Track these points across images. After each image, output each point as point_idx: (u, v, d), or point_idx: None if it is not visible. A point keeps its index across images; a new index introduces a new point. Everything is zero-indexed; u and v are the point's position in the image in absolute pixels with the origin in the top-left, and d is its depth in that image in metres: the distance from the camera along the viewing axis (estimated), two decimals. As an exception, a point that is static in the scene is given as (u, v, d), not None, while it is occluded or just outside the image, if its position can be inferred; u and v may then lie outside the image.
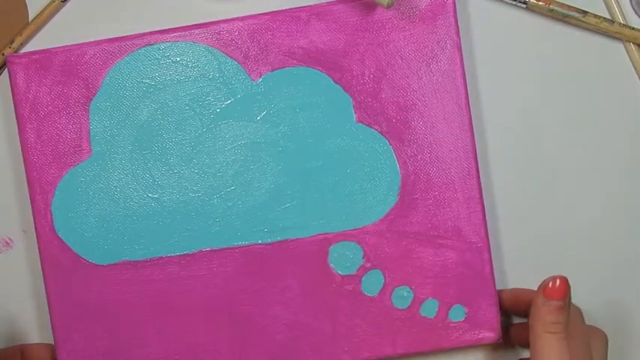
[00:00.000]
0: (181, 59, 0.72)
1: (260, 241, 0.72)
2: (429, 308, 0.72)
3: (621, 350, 0.75)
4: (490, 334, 0.72)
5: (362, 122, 0.72)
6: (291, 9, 0.72)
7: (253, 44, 0.72)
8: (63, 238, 0.73)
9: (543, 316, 0.65)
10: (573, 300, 0.67)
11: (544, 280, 0.66)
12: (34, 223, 0.73)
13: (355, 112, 0.72)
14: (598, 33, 0.74)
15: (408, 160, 0.72)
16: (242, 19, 0.72)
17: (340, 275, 0.72)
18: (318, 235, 0.72)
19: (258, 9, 0.73)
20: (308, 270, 0.72)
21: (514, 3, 0.73)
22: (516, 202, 0.74)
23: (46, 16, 0.74)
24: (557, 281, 0.65)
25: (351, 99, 0.72)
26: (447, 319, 0.72)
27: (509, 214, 0.74)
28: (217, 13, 0.73)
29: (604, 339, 0.70)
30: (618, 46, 0.74)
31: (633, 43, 0.73)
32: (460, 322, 0.72)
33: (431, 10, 0.71)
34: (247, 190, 0.72)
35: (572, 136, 0.74)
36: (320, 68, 0.72)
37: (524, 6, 0.73)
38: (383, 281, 0.72)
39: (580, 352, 0.66)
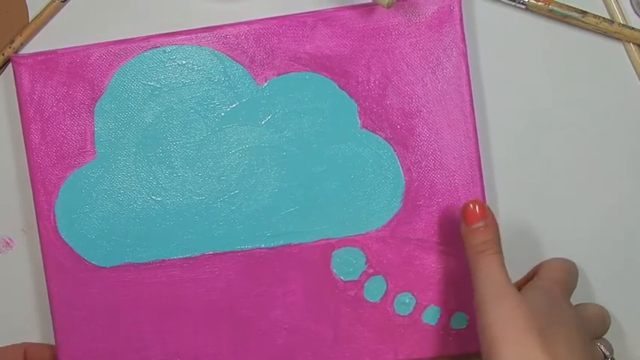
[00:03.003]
0: (187, 62, 0.72)
1: (263, 245, 0.72)
2: (431, 315, 0.72)
3: (625, 350, 0.75)
4: (491, 342, 0.72)
5: (366, 128, 0.72)
6: (297, 14, 0.72)
7: (259, 48, 0.72)
8: (66, 239, 0.72)
9: (470, 241, 0.67)
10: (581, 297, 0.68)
11: (462, 208, 0.67)
12: (37, 223, 0.73)
13: (360, 118, 0.72)
14: (598, 33, 0.74)
15: (412, 167, 0.72)
16: (248, 23, 0.72)
17: (342, 281, 0.72)
18: (321, 240, 0.72)
19: (261, 11, 0.73)
20: (310, 275, 0.72)
21: (513, 4, 0.73)
22: (519, 210, 0.74)
23: (46, 16, 0.74)
24: (475, 205, 0.67)
25: (356, 105, 0.72)
26: (448, 326, 0.72)
27: (512, 222, 0.74)
28: (221, 15, 0.73)
29: (597, 305, 0.70)
30: (618, 46, 0.74)
31: (633, 43, 0.73)
32: (462, 329, 0.72)
33: (437, 17, 0.71)
34: (251, 194, 0.72)
35: (573, 138, 0.74)
36: (325, 73, 0.72)
37: (523, 7, 0.73)
38: (385, 287, 0.72)
39: (542, 281, 0.67)
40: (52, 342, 0.73)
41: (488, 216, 0.67)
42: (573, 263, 0.71)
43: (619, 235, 0.75)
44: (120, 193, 0.73)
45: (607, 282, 0.75)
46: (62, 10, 0.75)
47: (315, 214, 0.72)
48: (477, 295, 0.64)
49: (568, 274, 0.70)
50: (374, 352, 0.72)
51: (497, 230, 0.67)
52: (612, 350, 0.70)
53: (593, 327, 0.69)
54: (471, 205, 0.67)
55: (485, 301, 0.63)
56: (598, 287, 0.74)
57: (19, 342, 0.74)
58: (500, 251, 0.66)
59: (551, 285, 0.67)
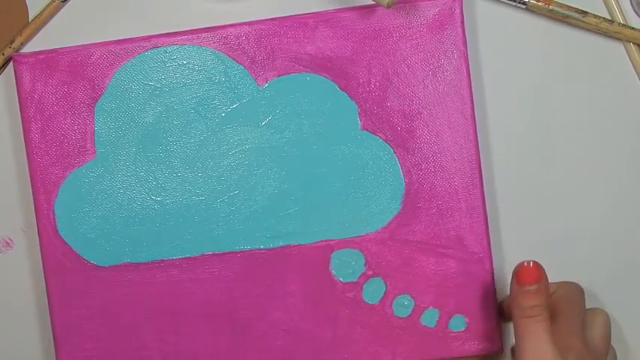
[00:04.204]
0: (188, 62, 0.72)
1: (262, 246, 0.72)
2: (430, 317, 0.72)
3: (625, 350, 0.75)
4: (490, 345, 0.72)
5: (367, 130, 0.72)
6: (298, 15, 0.72)
7: (260, 49, 0.72)
8: (65, 238, 0.73)
9: (520, 302, 0.65)
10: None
11: (516, 266, 0.66)
12: (37, 223, 0.73)
13: (360, 120, 0.72)
14: (598, 33, 0.74)
15: (412, 169, 0.72)
16: (249, 23, 0.72)
17: (342, 282, 0.72)
18: (321, 241, 0.72)
19: (262, 11, 0.73)
20: (309, 276, 0.72)
21: (513, 4, 0.73)
22: (519, 213, 0.74)
23: (46, 16, 0.74)
24: (530, 264, 0.65)
25: (356, 106, 0.72)
26: (447, 328, 0.72)
27: (512, 225, 0.74)
28: (222, 16, 0.73)
29: (602, 317, 0.69)
30: (618, 46, 0.74)
31: (633, 43, 0.73)
32: (460, 332, 0.72)
33: (439, 19, 0.71)
34: (251, 195, 0.72)
35: (573, 138, 0.74)
36: (326, 75, 0.72)
37: (523, 7, 0.73)
38: (384, 289, 0.72)
39: (567, 330, 0.66)
40: (51, 342, 0.74)
41: (542, 278, 0.65)
42: (581, 290, 0.70)
43: (619, 235, 0.75)
44: (119, 192, 0.73)
45: (607, 282, 0.75)
46: (62, 10, 0.75)
47: (315, 215, 0.72)
48: None
49: (581, 309, 0.69)
50: (372, 354, 0.72)
51: (549, 293, 0.65)
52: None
53: (604, 352, 0.68)
54: (527, 264, 0.65)
55: None
56: (598, 287, 0.74)
57: (19, 342, 0.74)
58: (548, 317, 0.65)
59: (577, 343, 0.65)
